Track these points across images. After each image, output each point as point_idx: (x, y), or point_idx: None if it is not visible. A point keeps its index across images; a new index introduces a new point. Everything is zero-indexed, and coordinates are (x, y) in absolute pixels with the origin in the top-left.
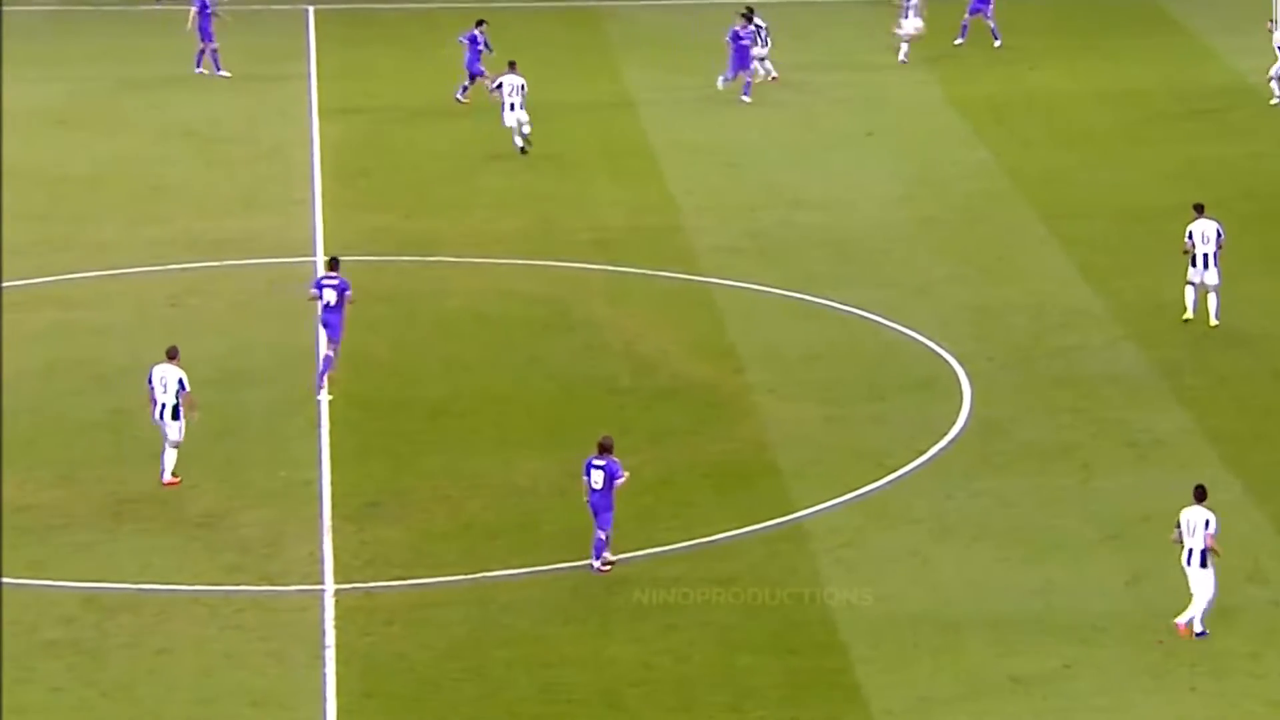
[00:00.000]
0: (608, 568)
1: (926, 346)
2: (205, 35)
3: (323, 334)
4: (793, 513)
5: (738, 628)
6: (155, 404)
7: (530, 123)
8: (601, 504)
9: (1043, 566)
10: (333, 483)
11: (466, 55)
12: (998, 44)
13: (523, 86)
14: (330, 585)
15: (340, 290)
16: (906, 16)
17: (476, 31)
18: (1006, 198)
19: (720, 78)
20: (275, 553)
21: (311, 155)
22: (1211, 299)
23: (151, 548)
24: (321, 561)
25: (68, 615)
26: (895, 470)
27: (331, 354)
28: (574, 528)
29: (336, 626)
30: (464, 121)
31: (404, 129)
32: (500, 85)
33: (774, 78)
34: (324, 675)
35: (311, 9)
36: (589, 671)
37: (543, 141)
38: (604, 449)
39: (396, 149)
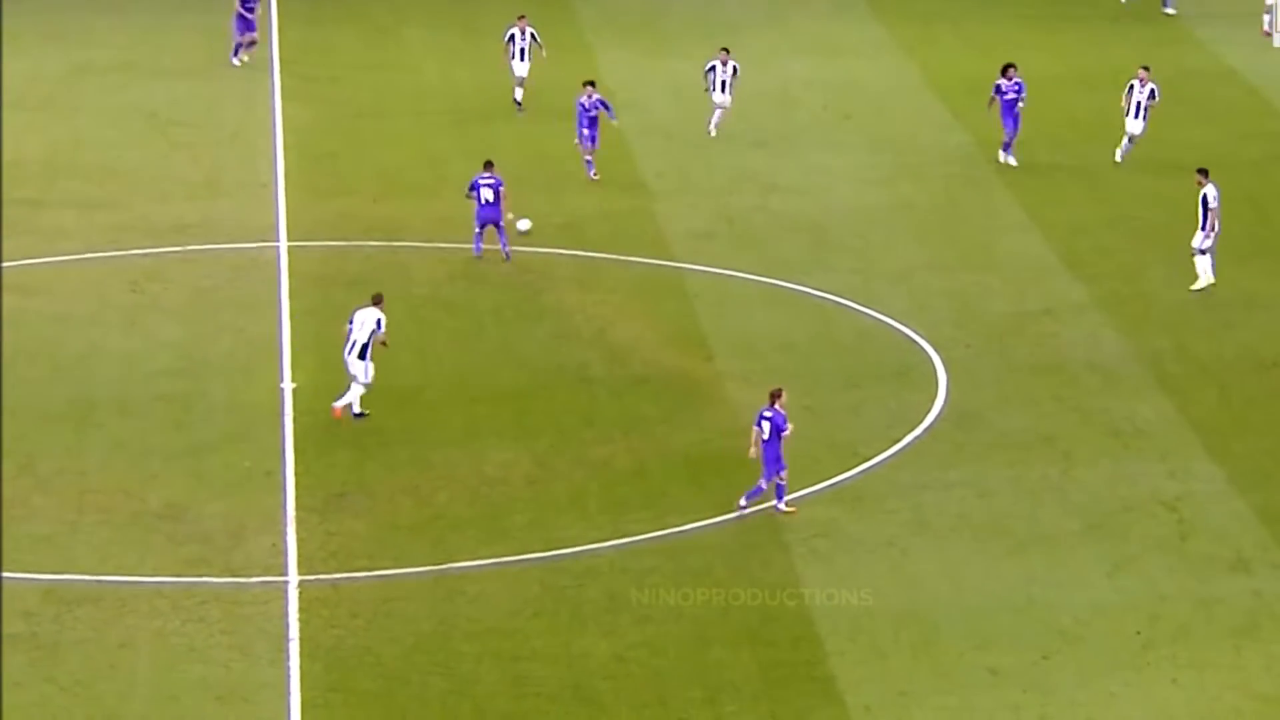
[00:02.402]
0: (792, 509)
1: (903, 334)
2: (249, 27)
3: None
4: (766, 503)
5: (712, 620)
6: (349, 341)
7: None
8: (770, 454)
9: (1022, 558)
10: (297, 473)
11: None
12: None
13: (533, 35)
14: (294, 578)
15: (495, 188)
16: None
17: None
18: (986, 183)
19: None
20: (238, 544)
21: (274, 138)
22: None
23: (112, 540)
24: (285, 553)
25: (27, 609)
26: (870, 460)
27: (506, 242)
28: (544, 518)
29: (300, 620)
30: (430, 103)
31: (369, 112)
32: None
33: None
34: (288, 669)
35: None
36: (560, 665)
37: (512, 123)
38: (774, 397)
39: (361, 132)
